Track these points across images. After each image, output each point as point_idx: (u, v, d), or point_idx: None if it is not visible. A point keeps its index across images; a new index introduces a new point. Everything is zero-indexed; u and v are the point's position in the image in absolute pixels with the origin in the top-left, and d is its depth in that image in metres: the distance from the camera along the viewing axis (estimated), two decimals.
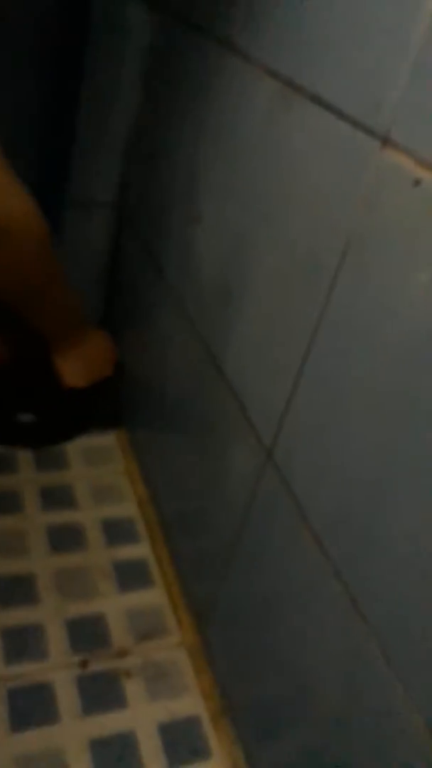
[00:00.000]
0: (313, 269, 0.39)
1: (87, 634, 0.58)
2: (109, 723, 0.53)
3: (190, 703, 0.56)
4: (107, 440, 0.82)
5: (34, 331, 0.71)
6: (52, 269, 0.63)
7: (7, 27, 0.61)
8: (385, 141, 0.32)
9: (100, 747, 0.51)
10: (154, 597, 0.64)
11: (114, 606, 0.62)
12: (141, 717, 0.54)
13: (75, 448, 0.79)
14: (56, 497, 0.71)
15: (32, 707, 0.52)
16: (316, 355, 0.40)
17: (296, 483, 0.43)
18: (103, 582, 0.64)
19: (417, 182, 0.30)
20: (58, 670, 0.55)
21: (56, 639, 0.57)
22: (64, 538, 0.67)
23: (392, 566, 0.33)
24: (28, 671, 0.54)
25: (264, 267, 0.46)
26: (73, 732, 0.51)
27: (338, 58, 0.36)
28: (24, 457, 0.76)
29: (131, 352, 0.80)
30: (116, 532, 0.69)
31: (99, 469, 0.77)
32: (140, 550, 0.68)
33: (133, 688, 0.55)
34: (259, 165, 0.46)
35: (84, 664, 0.56)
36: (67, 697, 0.53)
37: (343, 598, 0.38)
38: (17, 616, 0.58)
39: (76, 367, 0.77)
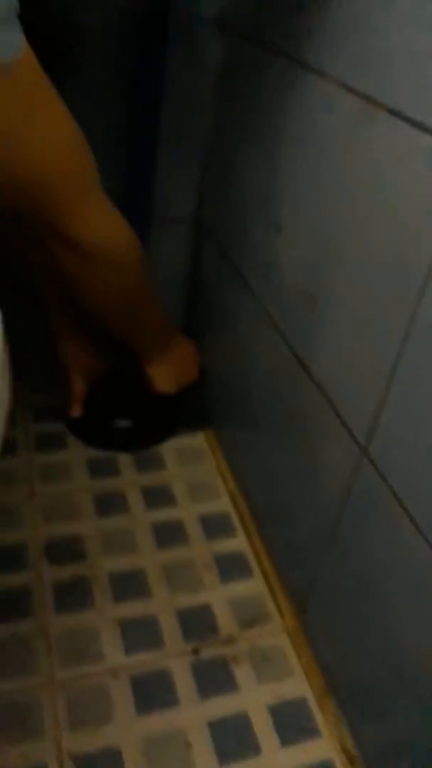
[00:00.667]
0: (402, 274, 0.41)
1: (196, 624, 0.62)
2: (223, 705, 0.56)
3: (295, 685, 0.59)
4: (197, 441, 0.85)
5: (127, 344, 0.76)
6: (146, 288, 0.66)
7: (95, 59, 0.65)
8: None
9: (218, 727, 0.55)
10: (254, 586, 0.67)
11: (218, 596, 0.65)
12: (251, 699, 0.57)
13: (169, 449, 0.83)
14: (157, 496, 0.76)
15: (154, 692, 0.56)
16: (409, 355, 0.41)
17: (393, 475, 0.44)
18: (206, 574, 0.67)
19: None
20: (174, 658, 0.59)
21: (169, 629, 0.61)
22: (168, 534, 0.71)
23: None
24: (147, 660, 0.59)
25: (349, 272, 0.48)
26: (192, 714, 0.55)
27: (417, 73, 0.38)
28: (125, 459, 0.80)
29: (214, 356, 0.83)
30: (214, 526, 0.73)
31: (192, 468, 0.81)
32: (237, 543, 0.71)
33: (241, 673, 0.59)
34: (342, 175, 0.47)
35: (196, 651, 0.60)
36: (183, 682, 0.57)
37: None
38: (133, 608, 0.63)
39: (166, 375, 0.81)
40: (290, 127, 0.56)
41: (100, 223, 0.56)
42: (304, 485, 0.60)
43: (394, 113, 0.40)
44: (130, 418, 0.85)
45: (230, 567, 0.68)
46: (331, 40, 0.47)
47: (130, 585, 0.65)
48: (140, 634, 0.60)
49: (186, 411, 0.87)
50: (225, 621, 0.63)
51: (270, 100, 0.59)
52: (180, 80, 0.70)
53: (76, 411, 0.83)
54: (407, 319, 0.41)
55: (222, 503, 0.76)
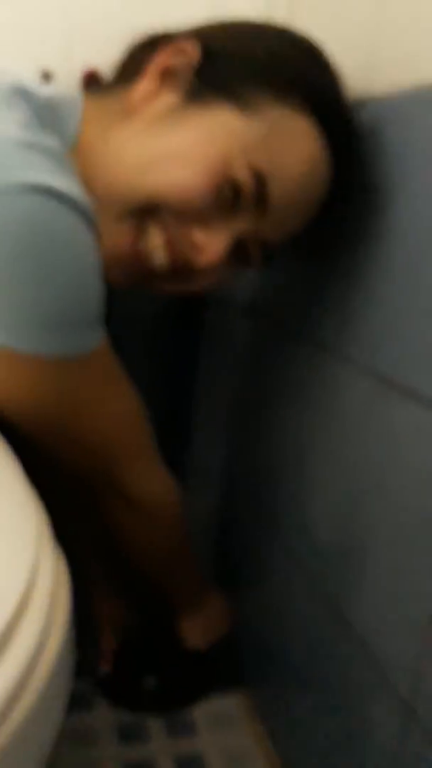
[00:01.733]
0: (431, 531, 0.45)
1: None
2: None
3: None
4: (231, 702, 0.80)
5: (159, 595, 0.76)
6: (185, 541, 0.70)
7: (150, 342, 0.78)
8: None
9: None
10: None
11: None
12: None
13: (201, 712, 0.78)
14: (190, 766, 0.69)
15: None
16: None
17: None
18: None
19: None
20: None
21: None
22: None
23: None
24: None
25: (382, 529, 0.52)
26: None
27: (425, 355, 0.46)
28: (155, 724, 0.75)
29: (246, 610, 0.83)
30: None
31: (227, 735, 0.75)
32: None
33: None
34: (365, 445, 0.54)
35: None
36: None
37: None
38: None
39: (197, 629, 0.80)
40: (314, 403, 0.64)
41: (151, 479, 0.62)
42: (348, 752, 0.56)
43: (409, 393, 0.48)
44: (158, 676, 0.81)
45: None
46: (350, 324, 0.57)
47: None
48: None
49: (218, 668, 0.83)
50: None
51: (295, 377, 0.69)
52: (212, 357, 0.82)
53: (106, 666, 0.80)
54: None
55: None
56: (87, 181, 0.46)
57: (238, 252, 0.54)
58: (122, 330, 0.60)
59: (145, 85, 0.50)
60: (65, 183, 0.42)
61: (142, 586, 0.75)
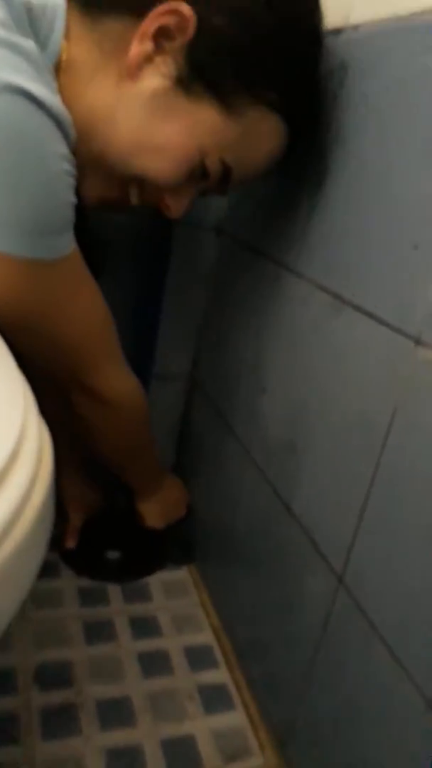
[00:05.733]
0: (366, 429, 0.48)
1: (180, 755, 0.60)
2: None
3: None
4: (181, 574, 0.86)
5: (122, 481, 0.80)
6: (147, 433, 0.72)
7: (118, 259, 0.77)
8: (417, 341, 0.42)
9: None
10: (236, 719, 0.65)
11: (201, 727, 0.63)
12: None
13: (155, 582, 0.84)
14: (143, 626, 0.75)
15: None
16: (375, 496, 0.47)
17: (366, 601, 0.47)
18: (190, 704, 0.66)
19: None
20: None
21: (153, 759, 0.59)
22: (153, 664, 0.70)
23: None
24: None
25: (323, 426, 0.55)
26: None
27: (378, 276, 0.47)
28: (114, 590, 0.80)
29: (200, 495, 0.87)
30: (197, 658, 0.72)
31: (177, 601, 0.81)
32: (219, 675, 0.70)
33: None
34: (314, 355, 0.56)
35: None
36: None
37: (419, 702, 0.41)
38: (118, 737, 0.60)
39: (156, 511, 0.84)
40: (273, 315, 0.65)
41: (117, 378, 0.63)
42: (284, 619, 0.61)
43: (358, 308, 0.49)
44: (120, 551, 0.86)
45: (213, 699, 0.67)
46: (308, 247, 0.58)
47: (116, 713, 0.63)
48: (125, 764, 0.58)
49: (173, 546, 0.88)
50: (208, 754, 0.61)
51: (256, 291, 0.70)
52: (182, 271, 0.82)
53: (71, 542, 0.84)
54: (373, 465, 0.47)
55: (205, 636, 0.76)
56: (75, 116, 0.45)
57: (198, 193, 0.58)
58: (96, 239, 0.59)
59: (139, 47, 0.47)
60: (42, 90, 0.40)
61: (107, 471, 0.78)
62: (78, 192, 0.47)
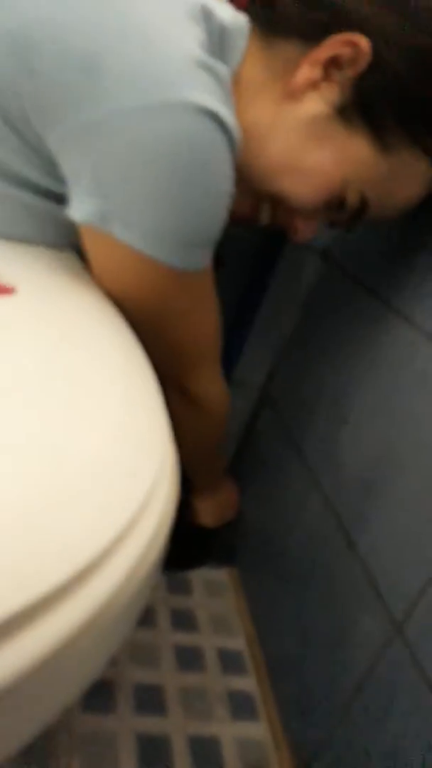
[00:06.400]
0: None
1: (205, 753, 0.62)
2: None
3: None
4: (222, 576, 0.88)
5: (185, 475, 0.81)
6: (222, 438, 0.74)
7: (230, 269, 0.78)
8: None
9: None
10: (259, 731, 0.67)
11: (227, 732, 0.65)
12: None
13: (196, 577, 0.86)
14: (182, 619, 0.77)
15: None
16: None
17: (425, 658, 0.48)
18: (218, 706, 0.67)
19: None
20: None
21: (180, 752, 0.61)
22: (188, 658, 0.72)
23: None
24: None
25: (410, 473, 0.55)
26: None
27: None
28: (158, 579, 0.83)
29: (253, 503, 0.88)
30: (229, 661, 0.74)
31: (215, 601, 0.83)
32: (248, 684, 0.72)
33: None
34: (414, 406, 0.56)
35: None
36: None
37: None
38: (150, 723, 0.63)
39: (210, 509, 0.86)
40: (369, 353, 0.65)
41: (211, 382, 0.65)
42: (325, 650, 0.62)
43: None
44: (171, 542, 0.88)
45: (240, 706, 0.69)
46: (423, 293, 0.58)
47: (149, 699, 0.65)
48: (153, 751, 0.60)
49: (217, 546, 0.90)
50: (231, 758, 0.62)
51: (353, 323, 0.70)
52: (281, 287, 0.82)
53: None
54: None
55: (238, 641, 0.77)
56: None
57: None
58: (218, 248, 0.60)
59: (308, 72, 0.48)
60: (228, 113, 0.41)
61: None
62: None
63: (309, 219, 0.56)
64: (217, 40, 0.45)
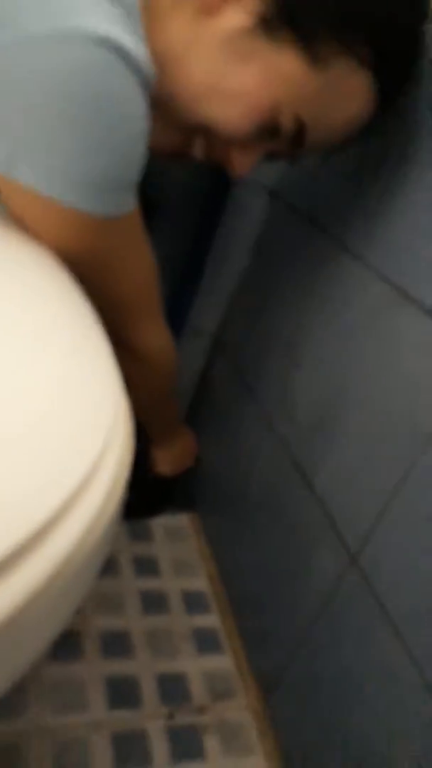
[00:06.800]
0: (411, 428, 0.49)
1: (173, 689, 0.64)
2: None
3: (256, 764, 0.60)
4: (182, 520, 0.89)
5: (140, 426, 0.81)
6: (174, 388, 0.73)
7: (170, 206, 0.75)
8: None
9: None
10: (225, 662, 0.69)
11: (193, 666, 0.67)
12: None
13: (157, 525, 0.87)
14: (144, 565, 0.78)
15: (131, 751, 0.57)
16: (406, 491, 0.48)
17: (378, 584, 0.50)
18: (183, 644, 0.69)
19: None
20: (151, 720, 0.60)
21: (149, 691, 0.63)
22: (152, 602, 0.73)
23: None
24: (127, 718, 0.60)
25: (363, 414, 0.55)
26: None
27: None
28: (119, 529, 0.83)
29: (211, 448, 0.89)
30: (193, 601, 0.76)
31: (177, 545, 0.84)
32: (212, 621, 0.74)
33: (211, 743, 0.60)
34: (366, 344, 0.56)
35: (171, 716, 0.61)
36: (159, 744, 0.58)
37: (417, 685, 0.44)
38: (118, 667, 0.64)
39: (168, 458, 0.86)
40: (322, 295, 0.65)
41: (155, 335, 0.63)
42: (286, 583, 0.64)
43: (422, 308, 0.49)
44: (130, 491, 0.88)
45: (205, 642, 0.71)
46: (375, 229, 0.56)
47: (116, 644, 0.66)
48: (122, 693, 0.62)
49: (176, 493, 0.91)
50: (198, 691, 0.65)
51: (306, 265, 0.69)
52: (230, 231, 0.80)
53: None
54: (409, 463, 0.48)
55: (201, 582, 0.79)
56: (151, 52, 0.41)
57: (267, 156, 0.54)
58: (152, 191, 0.57)
59: None
60: (133, 41, 0.38)
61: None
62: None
63: (245, 150, 0.51)
64: None
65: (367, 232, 0.58)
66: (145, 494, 0.90)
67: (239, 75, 0.46)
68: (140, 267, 0.54)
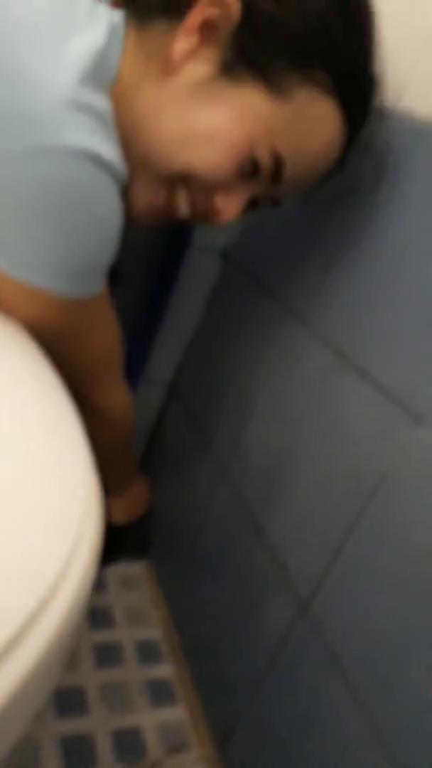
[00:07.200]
0: (353, 483, 0.52)
1: (128, 744, 0.63)
2: None
3: None
4: (136, 569, 0.89)
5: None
6: (132, 441, 0.75)
7: (131, 272, 0.78)
8: (418, 420, 0.46)
9: None
10: (178, 714, 0.69)
11: (148, 719, 0.67)
12: None
13: (112, 574, 0.87)
14: (99, 617, 0.78)
15: None
16: (354, 541, 0.51)
17: (330, 632, 0.52)
18: (138, 696, 0.69)
19: None
20: None
21: (104, 747, 0.62)
22: (107, 655, 0.73)
23: (415, 704, 0.43)
24: None
25: (310, 467, 0.59)
26: None
27: (390, 347, 0.51)
28: None
29: (164, 497, 0.90)
30: (146, 651, 0.76)
31: (130, 594, 0.84)
32: (167, 671, 0.74)
33: None
34: (312, 404, 0.60)
35: None
36: None
37: (365, 731, 0.47)
38: (74, 725, 0.63)
39: (122, 507, 0.86)
40: (270, 354, 0.68)
41: (115, 393, 0.65)
42: (239, 631, 0.65)
43: (363, 374, 0.53)
44: None
45: (159, 693, 0.71)
46: (324, 295, 0.60)
47: (71, 701, 0.66)
48: (78, 751, 0.61)
49: (130, 541, 0.91)
50: (153, 745, 0.65)
51: (255, 325, 0.73)
52: (186, 287, 0.84)
53: None
54: (356, 514, 0.52)
55: (155, 631, 0.79)
56: (122, 129, 0.45)
57: (251, 202, 0.56)
58: (116, 264, 0.60)
59: (185, 42, 0.47)
60: (108, 150, 0.42)
61: None
62: (127, 202, 0.48)
63: (229, 195, 0.52)
64: (99, 50, 0.44)
65: (312, 297, 0.63)
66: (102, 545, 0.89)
67: (209, 118, 0.48)
68: (106, 336, 0.57)
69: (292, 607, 0.57)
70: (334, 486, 0.55)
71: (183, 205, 0.53)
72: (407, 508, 0.46)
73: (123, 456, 0.77)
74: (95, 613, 0.78)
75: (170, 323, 0.85)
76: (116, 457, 0.76)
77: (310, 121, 0.49)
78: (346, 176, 0.56)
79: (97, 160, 0.41)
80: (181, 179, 0.51)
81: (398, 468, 0.48)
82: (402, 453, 0.47)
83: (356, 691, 0.48)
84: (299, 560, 0.58)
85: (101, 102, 0.43)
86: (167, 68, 0.48)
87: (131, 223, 0.51)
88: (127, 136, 0.46)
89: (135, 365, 0.85)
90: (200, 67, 0.48)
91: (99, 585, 0.83)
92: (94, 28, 0.46)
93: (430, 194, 0.50)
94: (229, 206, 0.53)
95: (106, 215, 0.44)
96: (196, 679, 0.73)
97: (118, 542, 0.90)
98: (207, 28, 0.47)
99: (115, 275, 0.51)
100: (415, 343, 0.48)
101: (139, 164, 0.48)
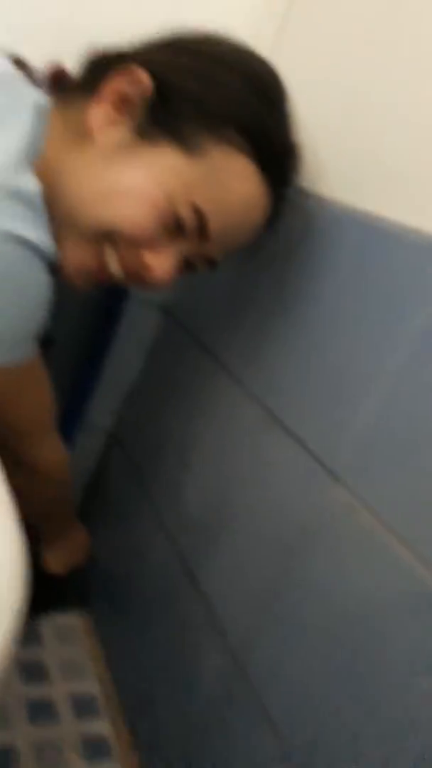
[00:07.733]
0: (280, 540, 0.54)
1: None
2: None
3: None
4: (73, 620, 0.88)
5: (31, 526, 0.80)
6: (67, 494, 0.75)
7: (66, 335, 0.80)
8: (337, 480, 0.50)
9: None
10: None
11: None
12: None
13: (48, 626, 0.85)
14: (33, 671, 0.76)
15: None
16: (283, 595, 0.54)
17: (260, 684, 0.54)
18: (72, 755, 0.68)
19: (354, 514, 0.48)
20: None
21: None
22: (40, 711, 0.71)
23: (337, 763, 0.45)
24: None
25: (243, 521, 0.61)
26: None
27: (314, 407, 0.53)
28: None
29: (103, 546, 0.90)
30: (82, 707, 0.75)
31: (66, 647, 0.83)
32: (103, 727, 0.73)
33: None
34: (243, 459, 0.62)
35: None
36: None
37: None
38: None
39: (60, 556, 0.85)
40: (203, 407, 0.70)
41: (49, 449, 0.66)
42: (176, 683, 0.66)
43: (288, 431, 0.57)
44: None
45: (95, 750, 0.70)
46: (250, 352, 0.63)
47: (1, 760, 0.64)
48: None
49: (68, 591, 0.90)
50: None
51: (191, 379, 0.75)
52: (125, 340, 0.86)
53: None
54: (284, 571, 0.54)
55: (91, 685, 0.79)
56: (48, 196, 0.49)
57: (186, 263, 0.58)
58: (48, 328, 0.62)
59: (101, 112, 0.52)
60: (35, 232, 0.47)
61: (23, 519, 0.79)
62: (59, 264, 0.51)
63: (158, 253, 0.53)
64: (25, 136, 0.49)
65: (243, 354, 0.65)
66: (35, 593, 0.88)
67: (128, 177, 0.51)
68: (37, 396, 0.59)
69: (225, 659, 0.59)
70: (261, 540, 0.57)
71: (114, 264, 0.55)
72: (325, 567, 0.49)
73: (59, 507, 0.77)
74: (29, 667, 0.77)
75: (111, 373, 0.87)
76: (51, 508, 0.76)
77: (226, 177, 0.52)
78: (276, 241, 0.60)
79: (21, 241, 0.45)
80: (107, 237, 0.53)
81: (317, 526, 0.51)
82: (321, 511, 0.50)
83: (284, 743, 0.50)
84: (231, 611, 0.60)
85: (29, 183, 0.47)
86: (87, 136, 0.52)
87: (69, 286, 0.54)
88: (54, 201, 0.50)
89: (74, 415, 0.87)
90: (117, 133, 0.52)
91: (34, 637, 0.82)
92: (20, 115, 0.50)
93: (353, 271, 0.54)
94: (159, 263, 0.54)
95: (32, 290, 0.48)
96: (133, 735, 0.72)
97: (54, 592, 0.89)
98: (120, 100, 0.52)
99: (47, 340, 0.53)
100: (338, 408, 0.52)
101: (66, 226, 0.51)
